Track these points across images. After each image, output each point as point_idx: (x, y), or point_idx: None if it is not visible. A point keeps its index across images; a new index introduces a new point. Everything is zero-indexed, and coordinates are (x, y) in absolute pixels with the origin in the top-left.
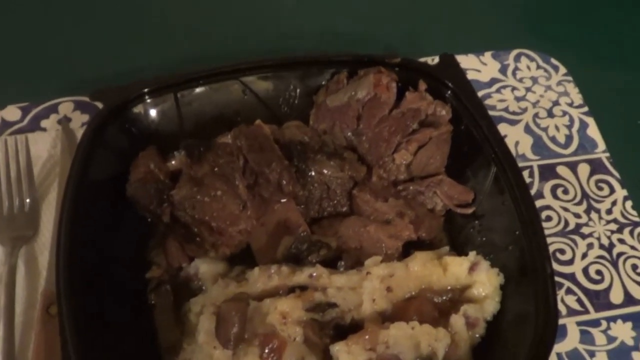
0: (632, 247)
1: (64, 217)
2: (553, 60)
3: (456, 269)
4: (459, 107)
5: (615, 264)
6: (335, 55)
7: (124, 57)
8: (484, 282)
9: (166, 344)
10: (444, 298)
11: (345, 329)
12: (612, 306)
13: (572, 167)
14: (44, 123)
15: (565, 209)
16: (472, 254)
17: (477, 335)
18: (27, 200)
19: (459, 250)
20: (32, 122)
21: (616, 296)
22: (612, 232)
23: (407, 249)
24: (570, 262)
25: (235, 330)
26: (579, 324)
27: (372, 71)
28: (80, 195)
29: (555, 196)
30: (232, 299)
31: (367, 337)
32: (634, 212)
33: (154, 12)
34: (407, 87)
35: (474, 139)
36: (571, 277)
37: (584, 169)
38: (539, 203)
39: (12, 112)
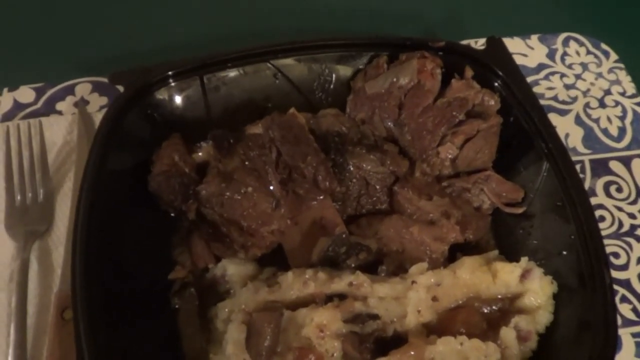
0: None
1: (80, 212)
2: (603, 46)
3: (506, 276)
4: (508, 97)
5: None
6: (375, 37)
7: (146, 36)
8: (537, 291)
9: (190, 353)
10: (493, 308)
11: (387, 343)
12: None
13: (626, 162)
14: (59, 106)
15: (619, 209)
16: (524, 260)
17: (528, 350)
18: (41, 191)
19: (508, 253)
20: (46, 105)
21: None
22: None
23: (451, 251)
24: (624, 267)
25: (268, 343)
26: (634, 335)
27: (415, 56)
28: (98, 187)
29: (608, 194)
30: (265, 308)
31: (412, 352)
32: None
33: None
34: (452, 74)
35: (525, 132)
36: (626, 284)
37: (638, 165)
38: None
39: (25, 94)
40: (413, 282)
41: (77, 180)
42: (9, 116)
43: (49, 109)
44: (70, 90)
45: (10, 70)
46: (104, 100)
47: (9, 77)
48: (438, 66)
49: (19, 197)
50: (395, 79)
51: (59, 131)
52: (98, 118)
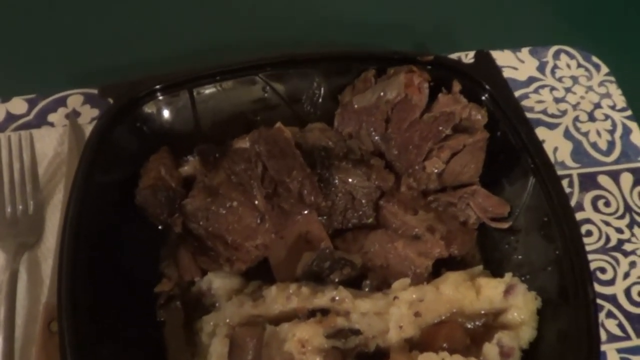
0: None
1: (67, 224)
2: (594, 59)
3: (490, 291)
4: (496, 111)
5: None
6: (364, 51)
7: (136, 48)
8: (520, 307)
9: None
10: (477, 323)
11: (369, 358)
12: None
13: (615, 176)
14: (51, 117)
15: (607, 223)
16: (508, 276)
17: None
18: (31, 203)
19: (493, 268)
20: (38, 116)
21: None
22: None
23: (437, 266)
24: (611, 282)
25: (250, 357)
26: (619, 351)
27: (403, 70)
28: (86, 199)
29: (596, 209)
30: (247, 323)
31: None
32: None
33: (169, 0)
34: (439, 88)
35: (511, 147)
36: (612, 299)
37: (626, 179)
38: (578, 216)
39: (18, 105)
40: (395, 297)
41: (66, 192)
42: (1, 128)
43: (40, 121)
44: (62, 102)
45: (3, 81)
46: (95, 112)
47: (1, 88)
48: (425, 80)
49: (9, 209)
50: (382, 93)
51: (50, 143)
52: (89, 130)
